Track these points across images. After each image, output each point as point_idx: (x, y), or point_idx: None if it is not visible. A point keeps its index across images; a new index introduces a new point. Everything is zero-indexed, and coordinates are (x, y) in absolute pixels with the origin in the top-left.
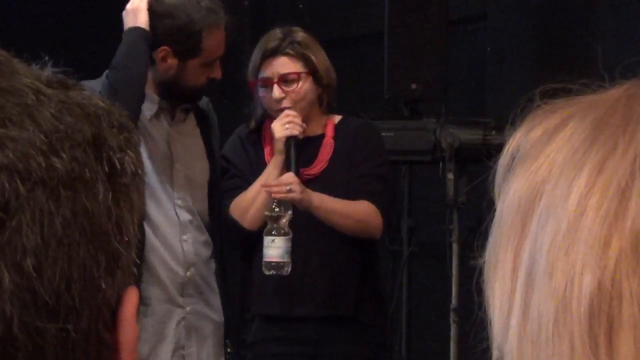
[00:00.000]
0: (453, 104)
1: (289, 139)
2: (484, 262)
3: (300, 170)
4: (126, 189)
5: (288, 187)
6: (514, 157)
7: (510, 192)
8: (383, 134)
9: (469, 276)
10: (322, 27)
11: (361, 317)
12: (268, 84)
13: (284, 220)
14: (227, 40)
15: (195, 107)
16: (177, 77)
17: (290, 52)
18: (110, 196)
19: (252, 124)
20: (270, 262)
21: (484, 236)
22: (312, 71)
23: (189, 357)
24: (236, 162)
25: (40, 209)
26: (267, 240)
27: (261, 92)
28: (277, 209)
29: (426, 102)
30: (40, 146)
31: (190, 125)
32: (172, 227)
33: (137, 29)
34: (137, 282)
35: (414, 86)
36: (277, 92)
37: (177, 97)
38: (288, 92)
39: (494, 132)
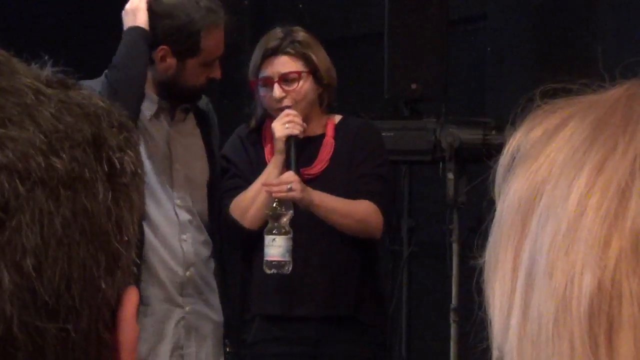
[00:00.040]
0: (453, 104)
1: (289, 139)
2: (484, 262)
3: (301, 170)
4: (126, 188)
5: (288, 186)
6: (514, 157)
7: (511, 192)
8: (383, 133)
9: (469, 276)
10: (322, 27)
11: (361, 317)
12: (268, 83)
13: (285, 219)
14: (226, 40)
15: (195, 107)
16: (176, 77)
17: (291, 51)
18: (110, 196)
19: (253, 123)
20: (271, 261)
21: (484, 236)
22: (313, 70)
23: (188, 357)
24: (236, 162)
25: (40, 208)
26: (267, 239)
27: (262, 91)
28: (278, 208)
29: (426, 102)
30: (40, 146)
31: (190, 125)
32: (171, 227)
33: (136, 29)
34: (137, 282)
35: (414, 86)
36: (277, 91)
37: (176, 97)
38: (288, 92)
39: (494, 132)
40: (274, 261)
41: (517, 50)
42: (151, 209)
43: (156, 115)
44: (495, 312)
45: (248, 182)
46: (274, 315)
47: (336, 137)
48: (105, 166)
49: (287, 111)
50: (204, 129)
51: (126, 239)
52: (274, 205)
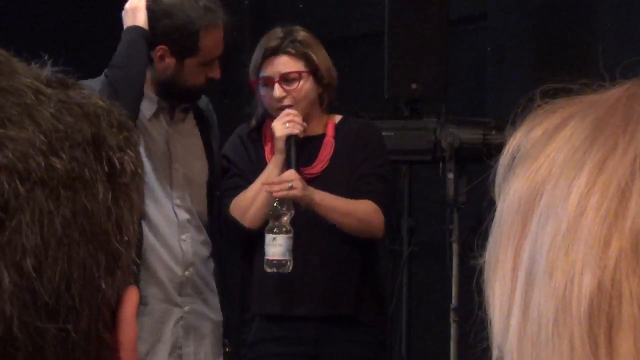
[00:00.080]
0: (453, 104)
1: (290, 138)
2: (484, 262)
3: (301, 169)
4: (126, 188)
5: (289, 184)
6: (514, 157)
7: (511, 191)
8: (383, 133)
9: (469, 276)
10: (322, 27)
11: (361, 316)
12: (269, 83)
13: (286, 218)
14: (225, 40)
15: (194, 107)
16: (175, 77)
17: (292, 51)
18: (110, 196)
19: (253, 122)
20: (272, 259)
21: (484, 236)
22: (313, 70)
23: (186, 357)
24: (237, 162)
25: (40, 209)
26: (268, 237)
27: (262, 91)
28: (278, 207)
29: (426, 102)
30: (39, 146)
31: (190, 125)
32: (170, 227)
33: (136, 28)
34: (135, 282)
35: (414, 86)
36: (278, 91)
37: (175, 97)
38: (289, 91)
39: (494, 132)
40: (275, 260)
41: (517, 50)
42: (150, 208)
43: (155, 115)
44: (495, 312)
45: (248, 181)
46: (274, 314)
47: (336, 137)
48: (105, 166)
49: (287, 110)
50: (204, 128)
51: (126, 238)
52: (275, 204)
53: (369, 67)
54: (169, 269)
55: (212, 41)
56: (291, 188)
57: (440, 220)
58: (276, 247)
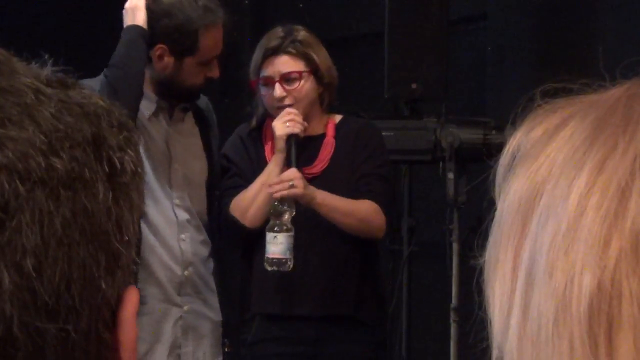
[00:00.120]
0: (453, 104)
1: (290, 137)
2: (484, 262)
3: (302, 169)
4: (126, 188)
5: (290, 183)
6: (515, 157)
7: (511, 191)
8: (383, 133)
9: (469, 276)
10: (322, 27)
11: (361, 316)
12: (269, 82)
13: (287, 217)
14: (225, 39)
15: (194, 107)
16: (174, 76)
17: (292, 50)
18: (110, 196)
19: (254, 122)
20: (272, 258)
21: (484, 236)
22: (314, 70)
23: (185, 356)
24: (237, 161)
25: (40, 209)
26: (269, 236)
27: (262, 90)
28: (280, 206)
29: (426, 102)
30: (39, 146)
31: (189, 124)
32: (170, 227)
33: (135, 27)
34: (135, 281)
35: (414, 86)
36: (278, 90)
37: (174, 96)
38: (289, 91)
39: (494, 132)
40: (275, 258)
41: (518, 50)
42: (150, 208)
43: (155, 115)
44: (495, 311)
45: (248, 181)
46: (274, 314)
47: (337, 136)
48: (106, 166)
49: (287, 110)
50: (203, 128)
51: (126, 238)
52: (276, 202)
53: (369, 67)
54: (168, 268)
55: (211, 41)
56: (292, 187)
57: (440, 220)
58: (277, 245)
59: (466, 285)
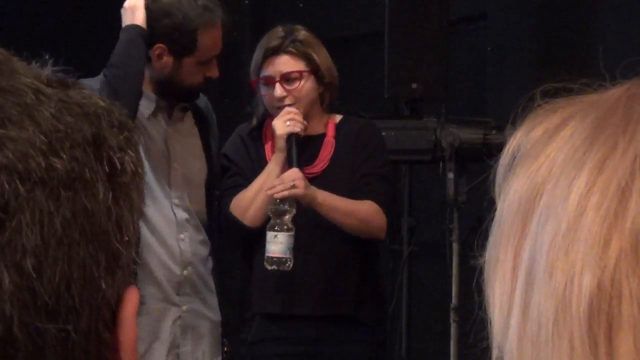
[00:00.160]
0: (453, 104)
1: (291, 136)
2: (484, 262)
3: (303, 168)
4: (126, 188)
5: (292, 183)
6: (515, 157)
7: (511, 191)
8: (383, 133)
9: (469, 276)
10: (322, 26)
11: (361, 316)
12: (270, 82)
13: (288, 216)
14: (224, 39)
15: (193, 107)
16: (173, 76)
17: (292, 50)
18: (111, 196)
19: (254, 122)
20: (272, 257)
21: (484, 236)
22: (314, 70)
23: (184, 356)
24: (237, 161)
25: (40, 209)
26: (269, 235)
27: (263, 90)
28: (281, 205)
29: (426, 102)
30: (39, 146)
31: (189, 124)
32: (169, 226)
33: (134, 27)
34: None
35: (414, 86)
36: (279, 90)
37: (174, 96)
38: (290, 91)
39: (494, 132)
40: (275, 257)
41: (518, 50)
42: (148, 208)
43: (154, 114)
44: (495, 311)
45: (249, 180)
46: (274, 314)
47: (337, 136)
48: (106, 166)
49: (288, 109)
50: (203, 128)
51: (126, 238)
52: (277, 202)
53: (369, 67)
54: (167, 268)
55: (210, 40)
56: (294, 187)
57: (440, 220)
58: (277, 244)
59: (466, 285)
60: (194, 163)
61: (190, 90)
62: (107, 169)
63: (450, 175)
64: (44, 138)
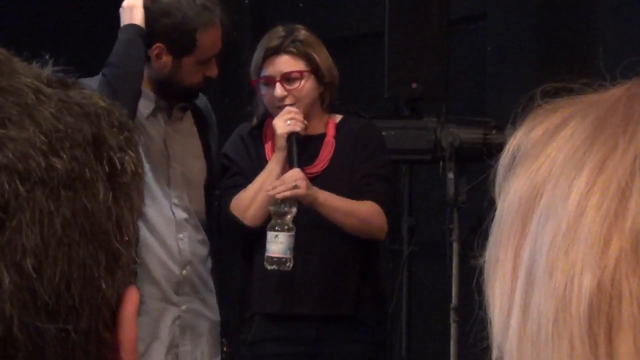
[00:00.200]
0: (453, 103)
1: (291, 136)
2: (484, 262)
3: (303, 168)
4: (126, 188)
5: (294, 183)
6: (515, 157)
7: (511, 191)
8: (383, 133)
9: (469, 275)
10: (322, 26)
11: (361, 316)
12: (270, 82)
13: (289, 216)
14: (223, 39)
15: (192, 106)
16: (172, 75)
17: (293, 50)
18: (111, 196)
19: (255, 121)
20: (273, 257)
21: (485, 235)
22: (315, 70)
23: (183, 356)
24: (237, 160)
25: (40, 209)
26: (270, 235)
27: (263, 90)
28: (282, 205)
29: (426, 102)
30: (40, 146)
31: (188, 124)
32: (168, 226)
33: (133, 26)
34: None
35: (414, 85)
36: (279, 90)
37: (173, 96)
38: (290, 91)
39: (494, 132)
40: (275, 257)
41: (518, 49)
42: (148, 207)
43: (153, 114)
44: (495, 311)
45: (249, 180)
46: (274, 313)
47: (337, 136)
48: (106, 166)
49: (288, 108)
50: (202, 128)
51: (126, 238)
52: (278, 202)
53: (369, 67)
54: (167, 268)
55: (209, 39)
56: (295, 187)
57: (440, 220)
58: (278, 244)
59: (466, 285)
60: (193, 163)
61: (190, 90)
62: (107, 169)
63: (450, 175)
64: (44, 138)
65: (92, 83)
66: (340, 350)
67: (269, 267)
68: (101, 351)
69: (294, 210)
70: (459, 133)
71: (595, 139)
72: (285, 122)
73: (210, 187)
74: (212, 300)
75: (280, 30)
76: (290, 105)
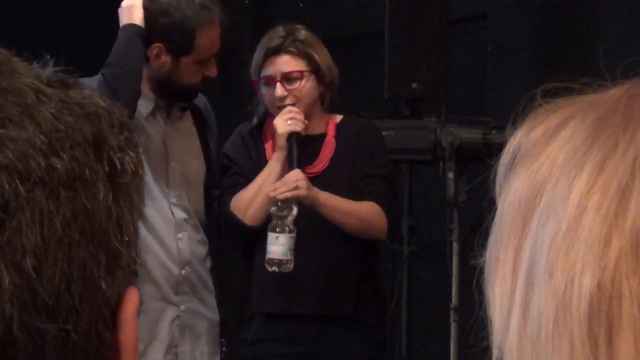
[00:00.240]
0: (453, 103)
1: (291, 135)
2: (484, 262)
3: (303, 168)
4: (126, 188)
5: (294, 184)
6: (515, 156)
7: (511, 191)
8: (383, 133)
9: (469, 276)
10: (322, 26)
11: (361, 316)
12: (271, 82)
13: (290, 218)
14: (222, 38)
15: (192, 106)
16: (171, 75)
17: (293, 50)
18: (111, 196)
19: (255, 121)
20: (273, 258)
21: (485, 235)
22: (315, 69)
23: (182, 355)
24: (238, 160)
25: (40, 209)
26: (271, 236)
27: (263, 90)
28: (282, 207)
29: (427, 101)
30: (40, 146)
31: (187, 123)
32: (167, 225)
33: (132, 26)
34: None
35: (414, 85)
36: (279, 90)
37: (172, 95)
38: (290, 91)
39: (494, 131)
40: (276, 259)
41: (518, 49)
42: (147, 207)
43: (152, 114)
44: (496, 311)
45: (249, 179)
46: (274, 313)
47: (337, 136)
48: (106, 166)
49: (289, 108)
50: (201, 128)
51: (126, 238)
52: (279, 202)
53: (369, 67)
54: (166, 267)
55: (208, 39)
56: (296, 188)
57: (440, 220)
58: (278, 246)
59: (466, 285)
60: (192, 162)
61: (189, 90)
62: (107, 169)
63: (450, 175)
64: (44, 138)
65: (91, 83)
66: (340, 350)
67: (269, 269)
68: (101, 351)
69: (295, 211)
70: (459, 133)
71: (596, 139)
72: (285, 122)
73: (209, 187)
74: (211, 300)
75: (280, 30)
76: (291, 105)
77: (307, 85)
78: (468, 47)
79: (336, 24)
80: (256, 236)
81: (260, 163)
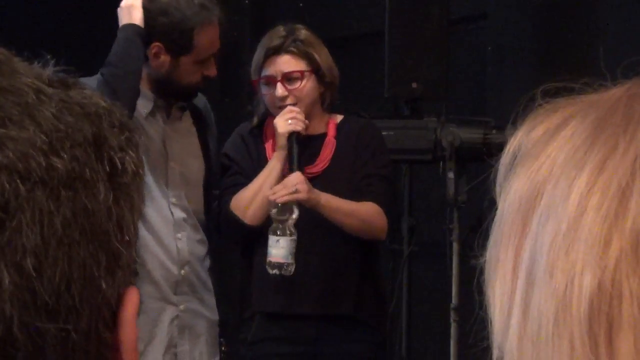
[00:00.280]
0: (454, 103)
1: (292, 135)
2: (484, 262)
3: (303, 168)
4: (127, 188)
5: (294, 188)
6: (516, 156)
7: (511, 191)
8: (383, 133)
9: (469, 276)
10: (322, 26)
11: (361, 316)
12: (271, 82)
13: (290, 221)
14: (222, 38)
15: (191, 106)
16: (170, 75)
17: (294, 50)
18: (111, 196)
19: (255, 120)
20: (274, 262)
21: (485, 235)
22: (315, 69)
23: (182, 355)
24: (238, 160)
25: (40, 208)
26: (271, 239)
27: (264, 90)
28: (283, 209)
29: (427, 101)
30: (40, 146)
31: (187, 123)
32: (166, 225)
33: (131, 26)
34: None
35: (414, 85)
36: (280, 90)
37: (172, 95)
38: (291, 91)
39: (494, 131)
40: (277, 262)
41: (518, 49)
42: (146, 207)
43: (152, 113)
44: (496, 311)
45: (249, 179)
46: (274, 313)
47: (337, 136)
48: (107, 166)
49: (289, 107)
50: (201, 127)
51: (127, 238)
52: (279, 206)
53: (369, 67)
54: (165, 267)
55: (207, 39)
56: (296, 191)
57: (440, 220)
58: (279, 249)
59: (466, 285)
60: (192, 162)
61: (188, 89)
62: (107, 169)
63: (450, 175)
64: (44, 138)
65: (91, 82)
66: (340, 350)
67: (270, 272)
68: (101, 351)
69: (295, 214)
70: (459, 133)
71: (596, 139)
72: (286, 121)
73: (208, 187)
74: (211, 299)
75: (281, 30)
76: (292, 105)
77: (307, 85)
78: (468, 47)
79: (336, 24)
80: (256, 236)
81: (260, 163)
